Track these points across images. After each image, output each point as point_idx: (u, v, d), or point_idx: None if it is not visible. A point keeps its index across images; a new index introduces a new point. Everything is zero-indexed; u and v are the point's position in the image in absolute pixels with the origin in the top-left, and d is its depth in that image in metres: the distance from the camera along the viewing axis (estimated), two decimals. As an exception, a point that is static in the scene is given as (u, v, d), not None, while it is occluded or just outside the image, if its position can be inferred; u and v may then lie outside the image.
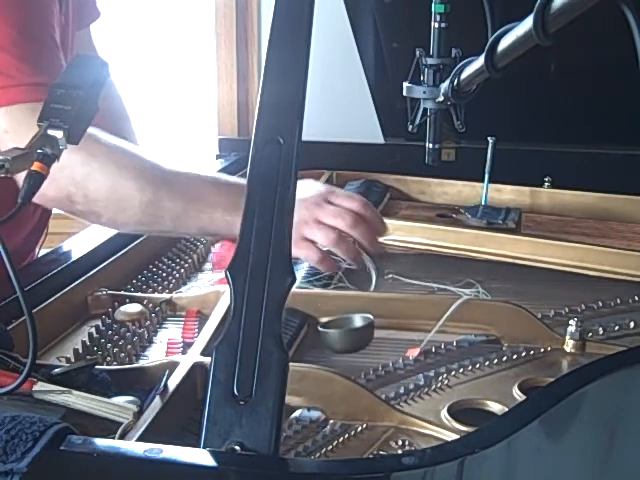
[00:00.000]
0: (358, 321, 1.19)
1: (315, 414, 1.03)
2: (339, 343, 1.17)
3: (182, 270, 1.48)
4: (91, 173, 1.18)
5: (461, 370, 1.16)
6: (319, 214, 1.26)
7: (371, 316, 1.17)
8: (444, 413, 1.04)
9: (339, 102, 2.37)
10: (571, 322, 1.20)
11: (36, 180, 0.87)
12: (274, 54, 0.89)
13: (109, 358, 1.16)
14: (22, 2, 1.24)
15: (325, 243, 1.26)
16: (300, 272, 1.40)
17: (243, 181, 1.17)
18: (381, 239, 1.46)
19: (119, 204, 1.22)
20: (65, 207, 1.24)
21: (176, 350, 1.20)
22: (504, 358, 1.19)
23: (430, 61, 1.41)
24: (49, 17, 1.28)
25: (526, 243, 1.54)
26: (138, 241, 1.49)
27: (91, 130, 1.11)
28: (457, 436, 0.96)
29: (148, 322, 1.27)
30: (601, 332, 1.26)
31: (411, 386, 1.11)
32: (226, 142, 2.06)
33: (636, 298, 1.38)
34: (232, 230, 1.21)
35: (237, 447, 0.76)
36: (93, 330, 1.23)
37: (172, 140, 2.95)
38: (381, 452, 0.97)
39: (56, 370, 1.02)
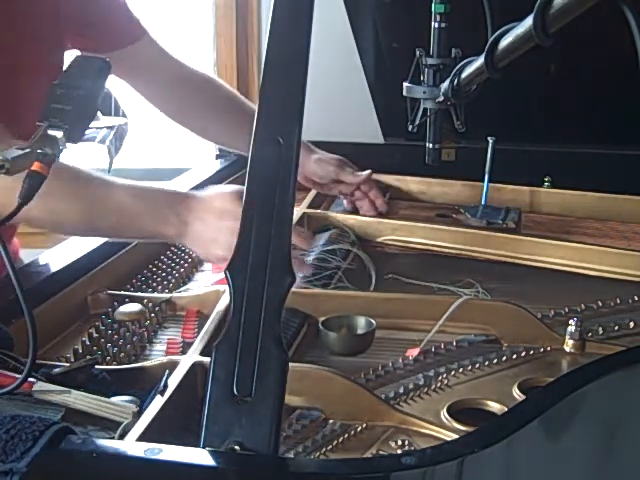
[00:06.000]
0: (360, 325, 1.19)
1: (315, 414, 1.03)
2: (339, 346, 1.17)
3: (182, 270, 1.48)
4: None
5: (461, 370, 1.16)
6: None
7: (374, 321, 1.17)
8: (444, 413, 1.04)
9: (339, 102, 2.37)
10: (571, 322, 1.20)
11: (36, 180, 0.87)
12: (274, 54, 0.89)
13: (109, 358, 1.16)
14: None
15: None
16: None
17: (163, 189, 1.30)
18: (381, 239, 1.48)
19: (58, 226, 1.28)
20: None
21: (176, 350, 1.20)
22: (504, 358, 1.19)
23: (430, 61, 1.41)
24: None
25: (526, 243, 1.54)
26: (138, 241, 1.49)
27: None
28: (457, 436, 0.96)
29: (148, 322, 1.27)
30: (601, 332, 1.26)
31: (411, 386, 1.11)
32: (226, 142, 2.06)
33: (636, 298, 1.38)
34: (162, 237, 1.28)
35: (237, 447, 0.76)
36: (93, 330, 1.23)
37: (172, 140, 2.95)
38: (381, 452, 0.97)
39: (56, 370, 1.02)
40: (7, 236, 1.55)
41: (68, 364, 1.07)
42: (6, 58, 1.33)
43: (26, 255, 1.61)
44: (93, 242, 1.40)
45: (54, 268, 1.34)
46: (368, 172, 1.73)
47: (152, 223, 1.25)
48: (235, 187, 1.30)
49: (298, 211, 1.66)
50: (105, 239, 1.38)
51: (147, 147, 3.77)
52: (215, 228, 1.24)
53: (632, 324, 1.28)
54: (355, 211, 1.73)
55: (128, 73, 1.62)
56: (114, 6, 1.56)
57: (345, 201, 1.75)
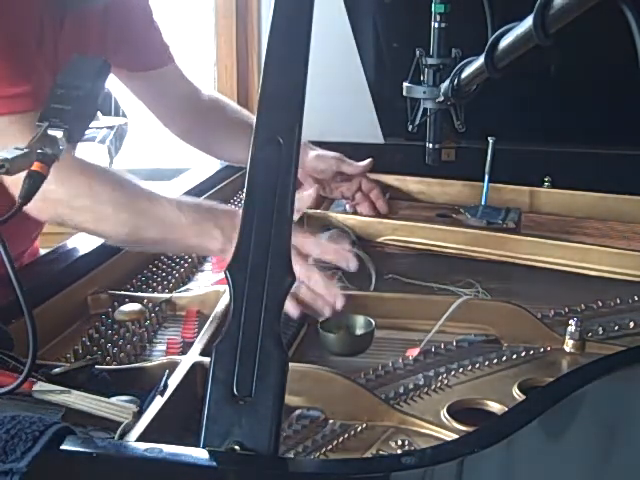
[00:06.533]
0: (359, 325, 1.19)
1: (315, 414, 1.03)
2: (338, 346, 1.17)
3: (182, 270, 1.48)
4: (76, 210, 1.26)
5: (461, 370, 1.16)
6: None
7: (373, 321, 1.17)
8: (444, 413, 1.04)
9: (339, 102, 2.37)
10: (571, 322, 1.20)
11: (36, 180, 0.87)
12: (274, 54, 0.89)
13: (109, 358, 1.16)
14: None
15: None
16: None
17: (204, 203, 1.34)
18: (381, 239, 1.48)
19: (103, 233, 1.31)
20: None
21: (176, 350, 1.20)
22: (504, 358, 1.19)
23: (430, 61, 1.41)
24: (26, 26, 1.30)
25: (526, 243, 1.54)
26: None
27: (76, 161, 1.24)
28: (457, 436, 0.96)
29: (148, 322, 1.27)
30: (601, 332, 1.26)
31: (411, 386, 1.11)
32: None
33: (636, 298, 1.38)
34: (205, 251, 1.37)
35: (237, 447, 0.76)
36: (93, 330, 1.23)
37: (172, 140, 2.95)
38: (381, 452, 0.97)
39: (56, 370, 1.02)
40: (32, 238, 1.56)
41: (68, 364, 1.06)
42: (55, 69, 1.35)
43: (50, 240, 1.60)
44: (93, 242, 1.40)
45: (54, 268, 1.34)
46: (368, 161, 1.73)
47: (196, 238, 1.27)
48: None
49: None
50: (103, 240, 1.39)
51: (147, 147, 3.77)
52: None
53: (632, 324, 1.28)
54: (356, 212, 1.73)
55: (149, 95, 1.68)
56: (151, 28, 1.63)
57: (347, 205, 1.76)
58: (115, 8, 1.48)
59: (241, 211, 1.26)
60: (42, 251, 1.56)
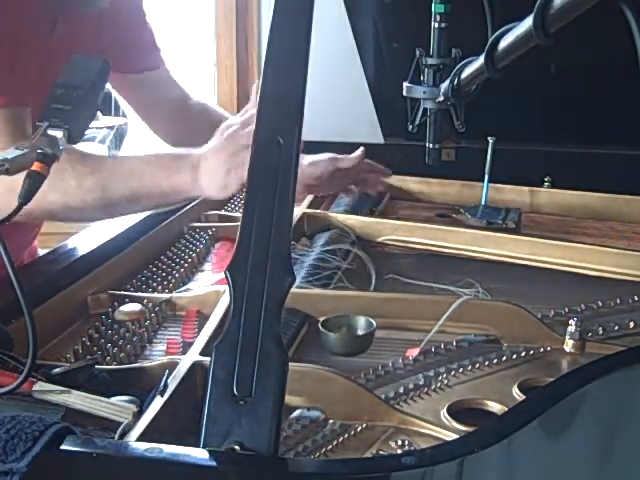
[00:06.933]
0: (360, 325, 1.19)
1: (315, 414, 1.03)
2: (339, 346, 1.16)
3: (182, 270, 1.48)
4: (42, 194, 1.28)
5: (461, 370, 1.16)
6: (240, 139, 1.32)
7: (374, 322, 1.17)
8: (444, 413, 1.04)
9: (339, 102, 2.37)
10: (571, 322, 1.20)
11: (36, 180, 0.87)
12: (274, 54, 0.89)
13: (109, 358, 1.16)
14: None
15: None
16: (300, 272, 1.40)
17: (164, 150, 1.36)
18: (381, 239, 1.49)
19: (75, 210, 1.32)
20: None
21: (176, 350, 1.20)
22: (504, 358, 1.19)
23: (430, 61, 1.41)
24: (12, 24, 1.32)
25: (526, 243, 1.54)
26: (138, 241, 1.49)
27: None
28: (457, 436, 0.96)
29: (148, 322, 1.27)
30: (601, 332, 1.26)
31: (411, 386, 1.11)
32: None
33: (636, 298, 1.38)
34: (179, 192, 1.33)
35: (237, 447, 0.76)
36: (93, 330, 1.23)
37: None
38: (381, 452, 0.97)
39: (56, 370, 1.02)
40: (29, 238, 1.56)
41: (68, 364, 1.06)
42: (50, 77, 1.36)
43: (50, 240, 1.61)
44: (93, 242, 1.40)
45: (54, 268, 1.34)
46: (361, 149, 1.73)
47: (167, 177, 1.29)
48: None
49: (298, 211, 1.66)
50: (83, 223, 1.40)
51: (147, 147, 3.77)
52: (226, 158, 1.29)
53: (632, 324, 1.28)
54: (361, 206, 1.74)
55: (140, 98, 1.69)
56: (144, 30, 1.64)
57: (347, 199, 1.76)
58: (110, 9, 1.48)
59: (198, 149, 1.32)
60: (42, 251, 1.56)
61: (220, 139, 1.32)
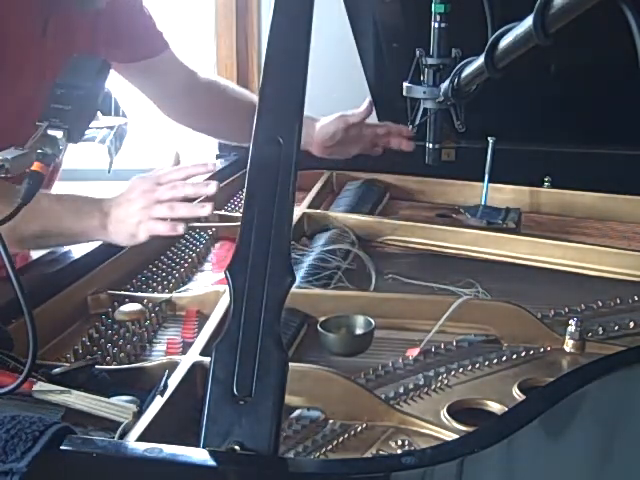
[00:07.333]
0: (359, 325, 1.18)
1: (315, 414, 1.03)
2: (338, 346, 1.16)
3: (182, 270, 1.48)
4: None
5: (461, 370, 1.16)
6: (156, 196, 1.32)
7: (373, 321, 1.17)
8: (444, 413, 1.04)
9: (339, 102, 2.36)
10: (571, 322, 1.20)
11: (36, 180, 0.87)
12: (274, 54, 0.89)
13: (109, 358, 1.16)
14: None
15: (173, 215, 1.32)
16: (300, 272, 1.40)
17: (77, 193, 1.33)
18: (381, 239, 1.49)
19: None
20: None
21: (176, 350, 1.20)
22: (504, 358, 1.19)
23: (430, 61, 1.41)
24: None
25: (526, 243, 1.54)
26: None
27: None
28: (457, 436, 0.96)
29: (148, 322, 1.27)
30: (601, 332, 1.26)
31: (411, 386, 1.11)
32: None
33: (636, 298, 1.38)
34: (87, 233, 1.32)
35: (237, 447, 0.76)
36: (93, 330, 1.23)
37: (172, 140, 2.95)
38: (381, 452, 0.97)
39: (56, 370, 1.02)
40: None
41: (68, 364, 1.07)
42: (47, 77, 1.35)
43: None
44: (93, 243, 1.40)
45: (54, 268, 1.34)
46: (366, 101, 1.80)
47: (76, 220, 1.30)
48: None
49: (298, 211, 1.66)
50: (89, 244, 1.40)
51: (147, 147, 3.77)
52: (138, 210, 1.29)
53: (632, 324, 1.28)
54: (364, 202, 1.75)
55: (148, 83, 1.70)
56: (141, 17, 1.63)
57: (347, 199, 1.77)
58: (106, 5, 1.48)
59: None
60: (42, 251, 1.56)
61: (135, 191, 1.32)
